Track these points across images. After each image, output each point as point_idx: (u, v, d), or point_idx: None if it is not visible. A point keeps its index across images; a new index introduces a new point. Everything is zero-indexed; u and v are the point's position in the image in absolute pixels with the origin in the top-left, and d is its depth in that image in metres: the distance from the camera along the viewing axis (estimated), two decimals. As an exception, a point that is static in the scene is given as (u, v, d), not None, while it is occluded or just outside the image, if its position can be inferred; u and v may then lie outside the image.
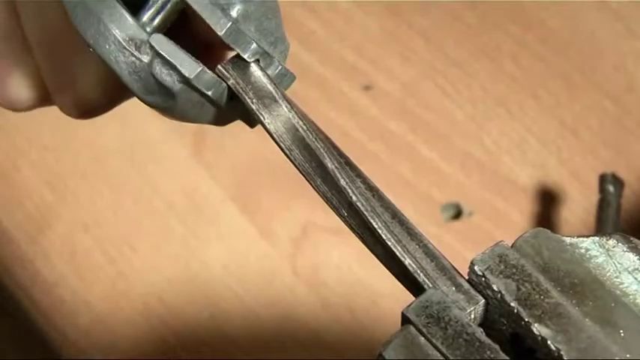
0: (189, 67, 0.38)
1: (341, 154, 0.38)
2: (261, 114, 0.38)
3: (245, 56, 0.38)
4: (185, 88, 0.38)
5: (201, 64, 0.38)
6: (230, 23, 0.37)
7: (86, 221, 0.70)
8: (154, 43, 0.38)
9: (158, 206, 0.71)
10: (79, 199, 0.71)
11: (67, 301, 0.68)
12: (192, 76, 0.37)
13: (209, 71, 0.38)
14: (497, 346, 0.32)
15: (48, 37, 0.42)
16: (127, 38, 0.38)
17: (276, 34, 0.39)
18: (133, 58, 0.38)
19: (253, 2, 0.38)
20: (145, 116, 0.72)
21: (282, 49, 0.39)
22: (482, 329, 0.33)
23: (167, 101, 0.38)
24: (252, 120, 0.40)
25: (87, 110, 0.44)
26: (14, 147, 0.73)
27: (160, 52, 0.37)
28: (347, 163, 0.38)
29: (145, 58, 0.38)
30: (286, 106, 0.38)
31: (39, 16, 0.41)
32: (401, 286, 0.36)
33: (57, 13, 0.40)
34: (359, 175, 0.38)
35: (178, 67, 0.37)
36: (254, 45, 0.38)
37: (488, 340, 0.32)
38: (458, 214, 0.71)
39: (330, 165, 0.37)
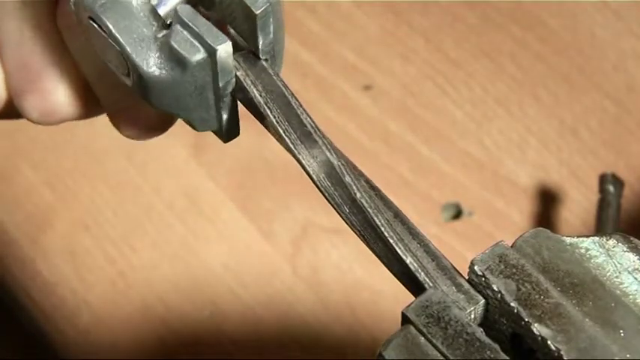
0: (218, 37, 0.37)
1: (342, 155, 0.38)
2: (268, 107, 0.38)
3: (260, 48, 0.38)
4: (201, 63, 0.37)
5: (227, 39, 0.37)
6: (268, 4, 0.37)
7: (86, 221, 0.70)
8: (181, 13, 0.37)
9: (158, 206, 0.71)
10: (79, 199, 0.71)
11: (67, 301, 0.68)
12: (219, 46, 0.37)
13: (232, 49, 0.37)
14: (497, 346, 0.32)
15: (19, 32, 0.41)
16: (140, 9, 0.38)
17: (280, 45, 0.39)
18: (145, 29, 0.37)
19: (279, 1, 0.38)
20: (145, 116, 0.72)
21: (278, 65, 0.39)
22: (482, 329, 0.33)
23: (173, 77, 0.38)
24: (230, 131, 0.40)
25: (49, 114, 0.43)
26: (14, 147, 0.73)
27: (187, 20, 0.37)
28: (350, 164, 0.38)
29: (160, 29, 0.38)
30: (295, 103, 0.38)
31: (14, 13, 0.41)
32: (401, 286, 0.36)
33: (34, 11, 0.40)
34: (361, 174, 0.38)
35: (205, 37, 0.37)
36: (272, 41, 0.38)
37: (488, 340, 0.33)
38: (458, 214, 0.71)
39: (335, 161, 0.37)
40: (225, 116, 0.39)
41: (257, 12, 0.37)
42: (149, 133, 0.44)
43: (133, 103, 0.42)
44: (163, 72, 0.38)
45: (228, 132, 0.40)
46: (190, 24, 0.37)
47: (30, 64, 0.42)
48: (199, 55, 0.37)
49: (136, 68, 0.38)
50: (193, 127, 0.40)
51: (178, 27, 0.37)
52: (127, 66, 0.38)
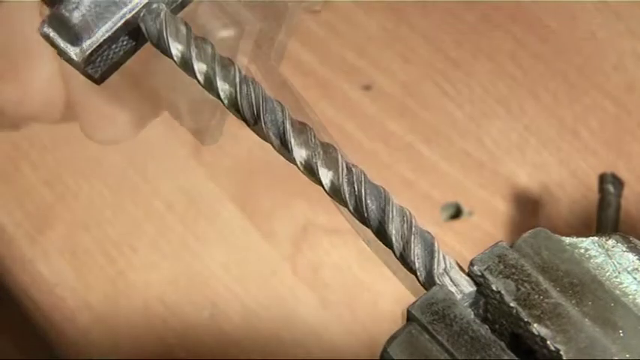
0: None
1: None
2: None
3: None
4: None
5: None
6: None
7: (86, 221, 0.70)
8: None
9: (158, 206, 0.71)
10: (79, 199, 0.71)
11: (67, 301, 0.67)
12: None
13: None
14: (502, 343, 0.32)
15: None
16: None
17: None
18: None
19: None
20: (145, 116, 0.72)
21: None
22: (487, 326, 0.33)
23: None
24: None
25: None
26: (14, 147, 0.73)
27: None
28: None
29: None
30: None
31: None
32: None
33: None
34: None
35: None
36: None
37: (493, 337, 0.32)
38: (458, 214, 0.71)
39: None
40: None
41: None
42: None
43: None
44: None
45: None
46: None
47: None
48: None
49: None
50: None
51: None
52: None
